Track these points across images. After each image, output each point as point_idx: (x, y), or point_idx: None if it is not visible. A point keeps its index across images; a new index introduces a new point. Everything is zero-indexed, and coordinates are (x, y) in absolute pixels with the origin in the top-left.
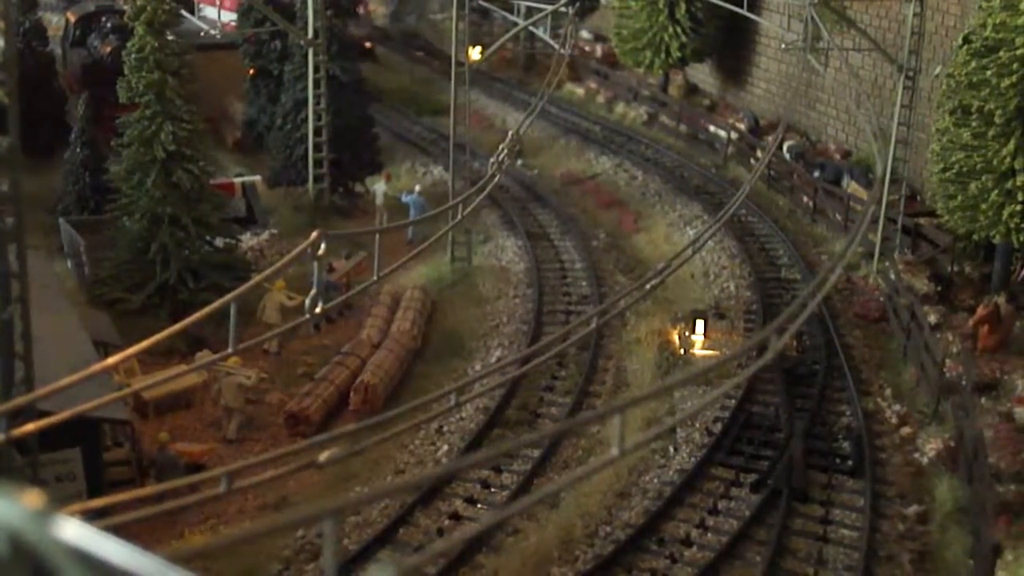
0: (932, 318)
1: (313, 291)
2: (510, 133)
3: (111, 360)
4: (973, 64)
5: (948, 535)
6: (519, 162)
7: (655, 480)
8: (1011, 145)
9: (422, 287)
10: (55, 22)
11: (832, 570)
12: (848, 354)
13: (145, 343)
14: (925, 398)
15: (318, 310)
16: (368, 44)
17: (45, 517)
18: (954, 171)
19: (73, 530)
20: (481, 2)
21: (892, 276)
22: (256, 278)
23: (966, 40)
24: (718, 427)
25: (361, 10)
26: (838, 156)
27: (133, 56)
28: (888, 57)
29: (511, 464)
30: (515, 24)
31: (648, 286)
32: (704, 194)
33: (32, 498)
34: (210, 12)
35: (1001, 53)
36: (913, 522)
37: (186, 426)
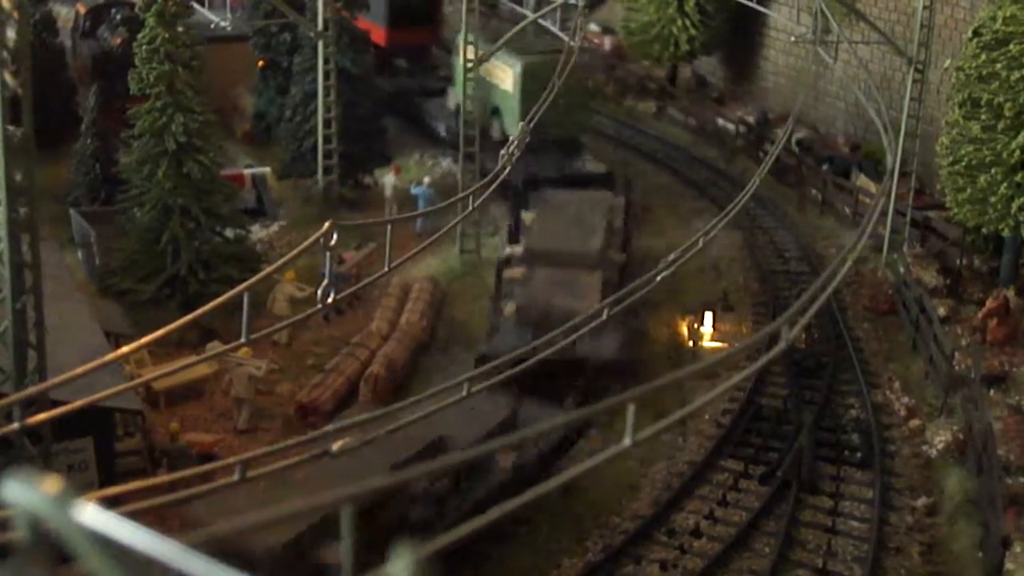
0: (941, 311)
1: (324, 282)
2: (520, 125)
3: (123, 350)
4: (983, 57)
5: (957, 527)
6: None
7: (665, 471)
8: (1020, 138)
9: (431, 279)
10: (65, 14)
11: (841, 561)
12: (857, 347)
13: (156, 334)
14: (934, 391)
15: (329, 301)
16: None
17: (65, 503)
18: (963, 164)
19: (93, 515)
20: None
21: (901, 269)
22: (267, 269)
23: (976, 33)
24: (727, 419)
25: None
26: (847, 149)
27: (144, 47)
28: (898, 50)
29: None
30: (524, 17)
31: (658, 278)
32: (712, 187)
33: (51, 484)
34: None
35: (1011, 46)
36: (922, 514)
37: (197, 416)
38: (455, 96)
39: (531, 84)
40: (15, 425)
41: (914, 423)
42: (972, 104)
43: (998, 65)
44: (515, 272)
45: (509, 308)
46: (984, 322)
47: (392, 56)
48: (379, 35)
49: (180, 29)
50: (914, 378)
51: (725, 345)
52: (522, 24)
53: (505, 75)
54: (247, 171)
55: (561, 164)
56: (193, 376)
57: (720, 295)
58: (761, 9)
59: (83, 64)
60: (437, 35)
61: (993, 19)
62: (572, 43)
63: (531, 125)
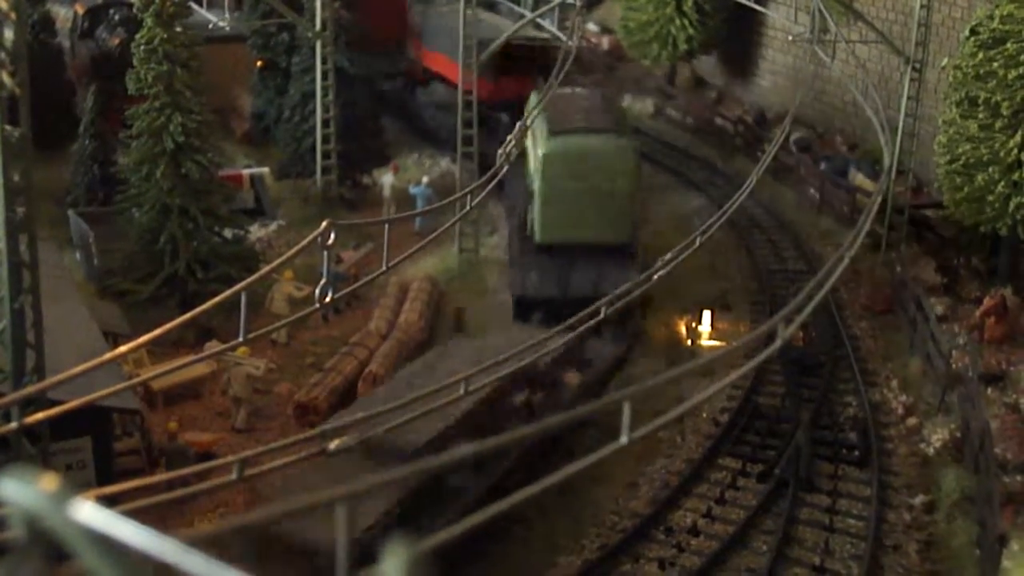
0: (938, 309)
1: (323, 281)
2: (517, 125)
3: (121, 350)
4: (980, 56)
5: (954, 525)
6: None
7: (663, 470)
8: (1018, 137)
9: (430, 278)
10: (63, 14)
11: (839, 559)
12: (854, 345)
13: (154, 333)
14: (931, 389)
15: (327, 300)
16: None
17: (62, 501)
18: (961, 163)
19: (90, 513)
20: None
21: (899, 267)
22: (265, 268)
23: (973, 32)
24: (725, 417)
25: None
26: (845, 148)
27: (142, 48)
28: (895, 49)
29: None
30: (521, 16)
31: (655, 277)
32: (710, 186)
33: (48, 482)
34: None
35: (1008, 45)
36: (919, 512)
37: (195, 416)
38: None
39: (557, 173)
40: (14, 424)
41: (911, 421)
42: (969, 103)
43: (995, 64)
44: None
45: None
46: (981, 320)
47: (492, 109)
48: (478, 86)
49: (178, 29)
50: (911, 376)
51: (723, 344)
52: (521, 23)
53: (534, 157)
54: (245, 171)
55: (570, 281)
56: (191, 375)
57: (718, 294)
58: (759, 8)
59: (81, 64)
60: None
61: (990, 18)
62: (570, 43)
63: (549, 223)
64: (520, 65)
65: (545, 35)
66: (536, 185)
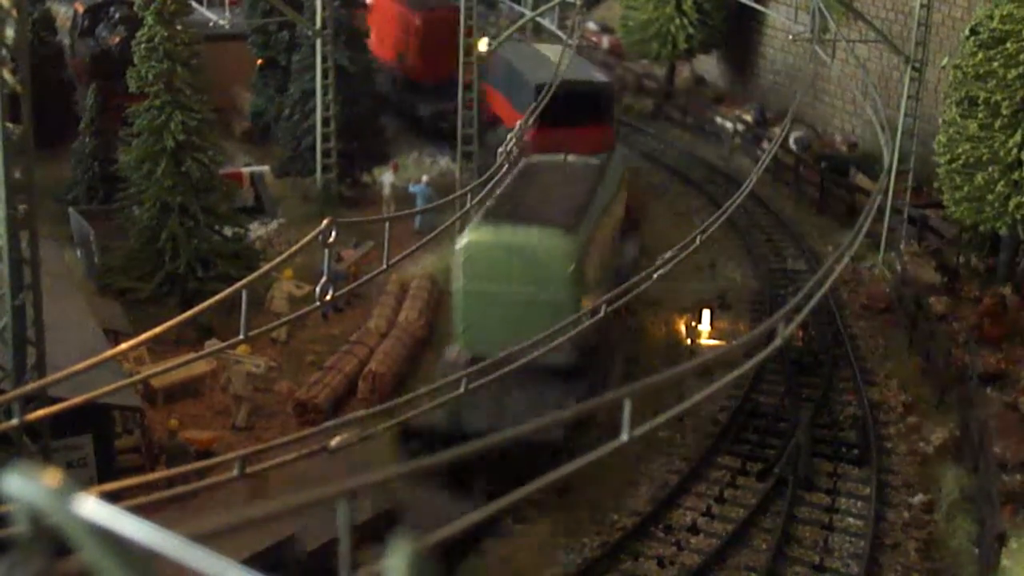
0: (938, 308)
1: (323, 279)
2: (518, 123)
3: (121, 347)
4: (980, 55)
5: (953, 524)
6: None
7: (663, 468)
8: (1017, 136)
9: (430, 276)
10: (63, 12)
11: (838, 558)
12: (854, 344)
13: (154, 331)
14: (930, 388)
15: (327, 298)
16: None
17: (65, 496)
18: (960, 162)
19: (93, 508)
20: None
21: (898, 267)
22: (266, 267)
23: (973, 31)
24: (725, 416)
25: None
26: (844, 148)
27: (143, 46)
28: (895, 48)
29: None
30: (522, 15)
31: (655, 275)
32: (710, 185)
33: (52, 478)
34: None
35: (1008, 44)
36: (919, 511)
37: (195, 414)
38: None
39: (480, 270)
40: (15, 422)
41: (911, 420)
42: (969, 102)
43: (995, 63)
44: None
45: None
46: (981, 319)
47: None
48: (527, 134)
49: (179, 27)
50: (911, 375)
51: (722, 343)
52: (521, 22)
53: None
54: (246, 169)
55: (461, 410)
56: (192, 373)
57: (717, 293)
58: (759, 8)
59: (81, 63)
60: (610, 141)
61: (990, 17)
62: (570, 42)
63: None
64: (577, 111)
65: (604, 79)
66: (458, 283)
